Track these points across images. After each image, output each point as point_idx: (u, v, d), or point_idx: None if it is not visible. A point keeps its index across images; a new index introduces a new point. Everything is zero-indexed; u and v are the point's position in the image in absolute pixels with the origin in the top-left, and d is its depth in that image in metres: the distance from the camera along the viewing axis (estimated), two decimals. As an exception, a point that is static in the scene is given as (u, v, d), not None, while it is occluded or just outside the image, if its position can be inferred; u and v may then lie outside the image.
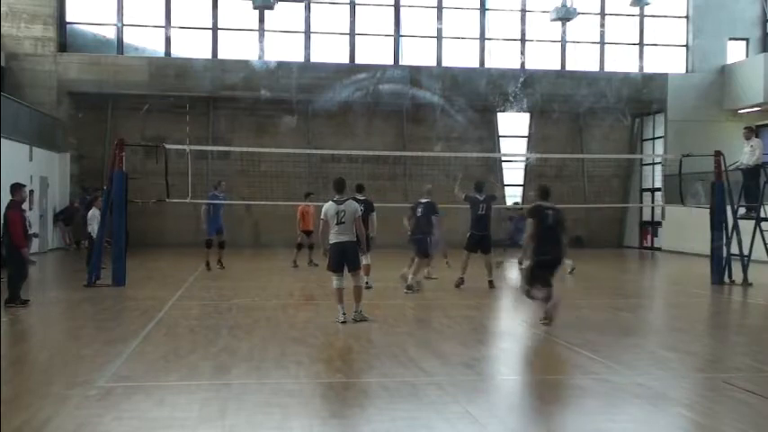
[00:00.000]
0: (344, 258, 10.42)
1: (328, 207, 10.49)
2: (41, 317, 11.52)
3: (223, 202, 17.92)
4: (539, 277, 10.14)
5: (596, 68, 27.93)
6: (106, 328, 9.91)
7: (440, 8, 27.48)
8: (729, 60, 27.60)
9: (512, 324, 11.29)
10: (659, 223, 27.51)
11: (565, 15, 26.69)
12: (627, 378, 7.36)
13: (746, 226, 15.92)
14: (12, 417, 5.82)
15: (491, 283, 14.23)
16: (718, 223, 15.84)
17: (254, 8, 25.66)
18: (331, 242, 10.45)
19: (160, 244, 24.50)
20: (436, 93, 26.14)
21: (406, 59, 27.03)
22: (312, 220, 17.95)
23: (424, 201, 14.24)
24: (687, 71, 28.10)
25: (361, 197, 13.18)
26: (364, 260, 12.60)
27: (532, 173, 27.76)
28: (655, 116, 28.43)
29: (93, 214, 15.63)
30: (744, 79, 26.36)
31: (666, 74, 27.66)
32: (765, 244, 15.58)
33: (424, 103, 26.26)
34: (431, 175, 26.05)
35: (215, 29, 26.61)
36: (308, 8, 26.78)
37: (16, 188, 11.75)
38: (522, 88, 26.64)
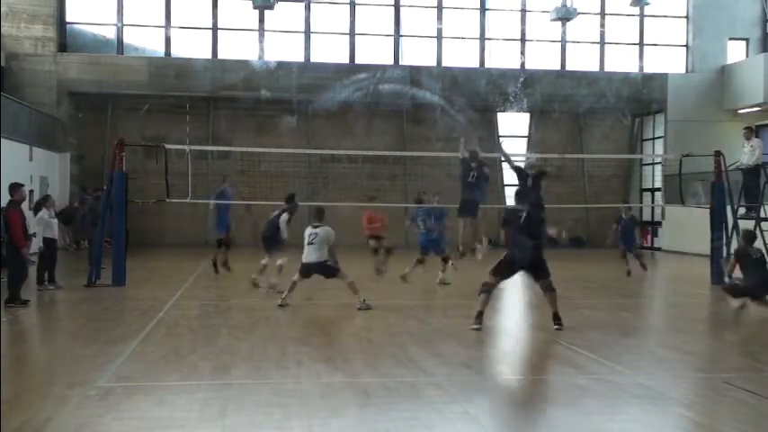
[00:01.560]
0: (313, 272, 11.64)
1: (306, 230, 11.67)
2: (41, 317, 11.53)
3: (228, 202, 17.01)
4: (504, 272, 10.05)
5: (596, 68, 27.94)
6: (106, 328, 9.90)
7: (440, 8, 27.49)
8: (729, 60, 27.61)
9: (512, 324, 11.29)
10: (659, 223, 27.51)
11: (565, 15, 26.70)
12: (627, 378, 7.35)
13: (746, 226, 15.90)
14: (12, 417, 5.82)
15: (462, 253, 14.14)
16: (718, 223, 15.83)
17: (254, 8, 25.68)
18: (302, 261, 11.68)
19: (160, 244, 24.50)
20: (436, 93, 26.12)
21: (406, 59, 27.04)
22: (381, 225, 16.55)
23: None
24: (687, 71, 28.11)
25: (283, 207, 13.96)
26: (279, 260, 13.56)
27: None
28: (655, 116, 28.44)
29: (41, 217, 13.39)
30: (744, 79, 26.36)
31: (666, 74, 27.67)
32: (765, 244, 15.57)
33: (424, 103, 26.25)
34: (431, 175, 26.10)
35: (215, 29, 26.62)
36: (308, 8, 26.79)
37: (15, 188, 11.76)
38: (522, 88, 26.62)
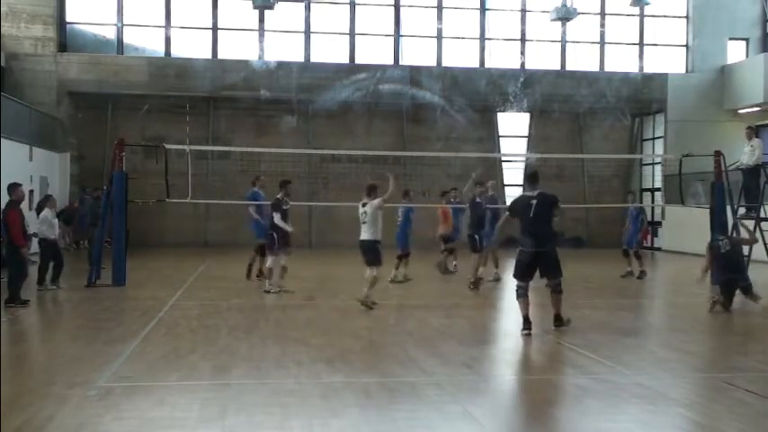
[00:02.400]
0: (362, 254, 11.60)
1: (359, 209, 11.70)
2: (41, 317, 11.53)
3: (262, 202, 15.40)
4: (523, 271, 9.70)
5: (596, 68, 27.93)
6: (106, 328, 9.91)
7: (440, 8, 27.49)
8: (729, 60, 27.61)
9: (512, 324, 11.28)
10: (659, 223, 27.51)
11: (565, 15, 26.70)
12: (627, 378, 7.35)
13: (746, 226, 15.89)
14: (12, 417, 5.82)
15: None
16: (718, 223, 15.81)
17: (254, 8, 25.67)
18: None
19: (160, 244, 24.50)
20: (436, 93, 26.15)
21: (406, 59, 27.03)
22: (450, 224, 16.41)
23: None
24: (687, 71, 28.11)
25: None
26: (283, 261, 13.21)
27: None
28: (655, 116, 28.44)
29: (45, 216, 13.39)
30: (744, 79, 26.36)
31: (666, 74, 27.67)
32: (765, 244, 15.57)
33: (424, 103, 26.27)
34: (431, 175, 26.13)
35: (215, 29, 26.62)
36: (308, 8, 26.78)
37: (13, 187, 11.77)
38: (522, 88, 26.65)
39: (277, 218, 13.11)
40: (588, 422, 6.12)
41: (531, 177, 10.09)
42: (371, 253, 11.50)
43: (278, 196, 13.33)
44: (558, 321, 9.80)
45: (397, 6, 27.24)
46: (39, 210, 14.07)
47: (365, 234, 11.52)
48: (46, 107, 24.13)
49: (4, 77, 23.45)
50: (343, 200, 21.29)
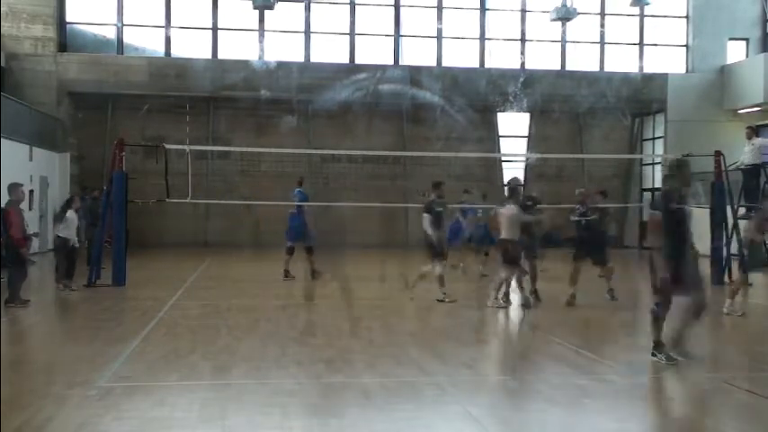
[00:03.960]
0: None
1: None
2: (41, 317, 11.52)
3: (300, 203, 15.61)
4: None
5: (596, 68, 27.94)
6: (106, 328, 9.91)
7: (440, 8, 27.49)
8: (729, 60, 27.62)
9: (512, 324, 11.28)
10: (659, 223, 27.47)
11: (565, 15, 26.72)
12: (627, 378, 7.35)
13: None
14: (12, 417, 5.82)
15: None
16: (718, 223, 15.82)
17: (254, 8, 25.69)
18: None
19: (160, 244, 24.50)
20: (436, 93, 26.14)
21: (406, 59, 27.04)
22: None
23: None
24: (687, 71, 28.12)
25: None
26: (438, 269, 12.37)
27: (532, 173, 27.77)
28: (655, 116, 28.45)
29: (70, 217, 13.60)
30: (744, 79, 26.37)
31: (666, 74, 27.68)
32: (765, 244, 15.55)
33: (424, 103, 26.26)
34: (431, 175, 26.11)
35: (215, 29, 26.62)
36: (308, 8, 26.79)
37: (13, 187, 11.77)
38: (522, 88, 26.65)
39: (426, 221, 12.22)
40: (588, 422, 6.12)
41: (676, 168, 8.69)
42: (505, 253, 12.03)
43: (430, 198, 12.56)
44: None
45: (397, 6, 27.25)
46: (63, 211, 14.01)
47: (503, 233, 12.11)
48: (46, 107, 24.12)
49: (4, 77, 23.45)
50: (343, 200, 21.31)
